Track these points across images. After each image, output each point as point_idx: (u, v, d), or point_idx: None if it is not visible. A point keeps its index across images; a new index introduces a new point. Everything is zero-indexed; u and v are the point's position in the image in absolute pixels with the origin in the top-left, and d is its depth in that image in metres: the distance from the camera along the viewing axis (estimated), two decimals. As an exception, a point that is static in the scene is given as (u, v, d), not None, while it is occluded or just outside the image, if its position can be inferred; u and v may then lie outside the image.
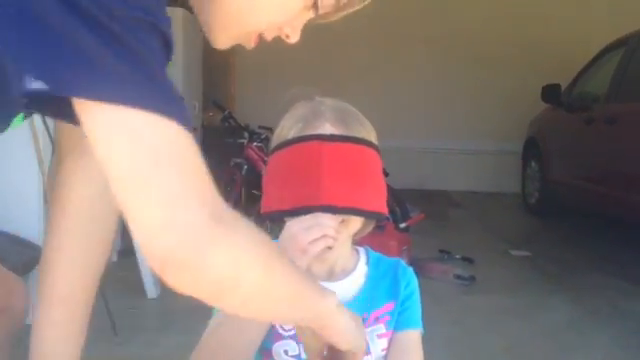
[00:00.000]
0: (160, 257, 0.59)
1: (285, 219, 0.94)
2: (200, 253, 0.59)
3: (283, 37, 0.81)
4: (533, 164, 6.18)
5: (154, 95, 0.60)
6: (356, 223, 0.94)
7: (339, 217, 0.90)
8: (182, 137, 0.61)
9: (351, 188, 0.89)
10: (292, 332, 0.94)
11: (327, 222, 0.87)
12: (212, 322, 0.93)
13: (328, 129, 0.92)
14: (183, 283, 0.61)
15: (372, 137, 0.96)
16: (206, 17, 0.76)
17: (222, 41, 0.78)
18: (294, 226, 0.88)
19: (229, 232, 0.62)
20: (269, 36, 0.80)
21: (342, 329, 0.77)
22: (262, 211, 0.96)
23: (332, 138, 0.90)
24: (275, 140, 0.96)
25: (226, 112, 4.94)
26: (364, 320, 0.96)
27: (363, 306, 0.97)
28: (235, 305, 0.66)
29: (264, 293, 0.67)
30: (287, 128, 0.95)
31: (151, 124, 0.59)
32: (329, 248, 0.88)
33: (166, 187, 0.59)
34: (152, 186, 0.58)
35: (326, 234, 0.86)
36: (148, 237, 0.59)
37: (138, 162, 0.58)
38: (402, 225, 4.15)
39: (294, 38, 0.81)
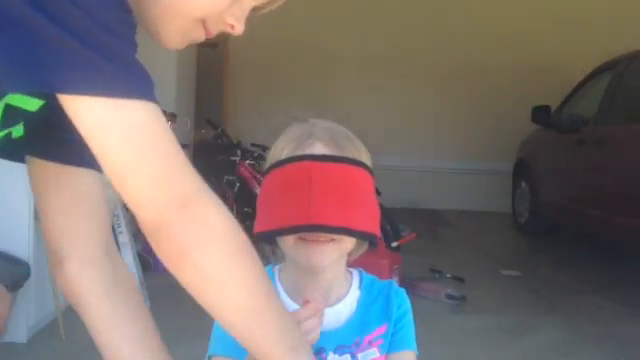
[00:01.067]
0: (146, 225, 0.74)
1: (277, 239, 0.94)
2: (169, 224, 0.73)
3: (228, 29, 0.82)
4: (523, 184, 6.21)
5: (130, 82, 0.71)
6: (347, 244, 0.94)
7: (329, 237, 0.91)
8: (158, 121, 0.72)
9: (342, 208, 0.89)
10: None
11: (305, 314, 0.87)
12: None
13: (319, 149, 0.92)
14: (159, 249, 0.74)
15: (364, 158, 0.96)
16: (147, 18, 0.78)
17: (171, 39, 0.81)
18: None
19: (196, 212, 0.75)
20: (214, 28, 0.81)
21: None
22: (255, 231, 0.96)
23: (323, 158, 0.91)
24: (269, 161, 0.97)
25: (219, 129, 4.95)
26: (357, 345, 0.96)
27: (355, 331, 0.97)
28: (190, 277, 0.76)
29: (219, 278, 0.75)
30: (280, 149, 0.95)
31: (128, 110, 0.70)
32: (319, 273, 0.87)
33: (147, 172, 0.72)
34: (136, 172, 0.72)
35: (308, 330, 0.86)
36: (137, 212, 0.74)
37: (123, 153, 0.70)
38: (393, 244, 4.16)
39: (238, 29, 0.82)
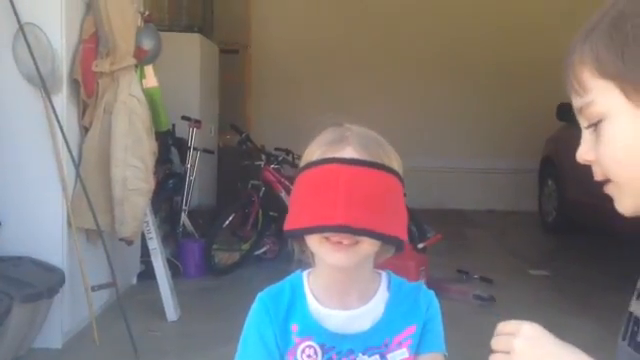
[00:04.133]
0: None
1: (306, 239, 0.97)
2: None
3: None
4: (550, 183, 6.14)
5: None
6: (369, 247, 0.95)
7: (350, 239, 0.92)
8: None
9: (367, 211, 0.92)
10: None
11: None
12: None
13: (349, 153, 0.94)
14: None
15: (395, 165, 0.98)
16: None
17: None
18: None
19: None
20: None
21: None
22: (284, 229, 1.00)
23: (352, 162, 0.93)
24: (302, 162, 1.00)
25: (243, 135, 5.00)
26: (386, 346, 0.97)
27: (384, 332, 0.98)
28: None
29: None
30: (312, 151, 0.98)
31: None
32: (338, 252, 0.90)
33: None
34: None
35: None
36: None
37: None
38: (420, 246, 4.15)
39: None
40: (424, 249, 4.15)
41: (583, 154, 0.79)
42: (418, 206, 4.66)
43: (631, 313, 0.85)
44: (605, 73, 0.71)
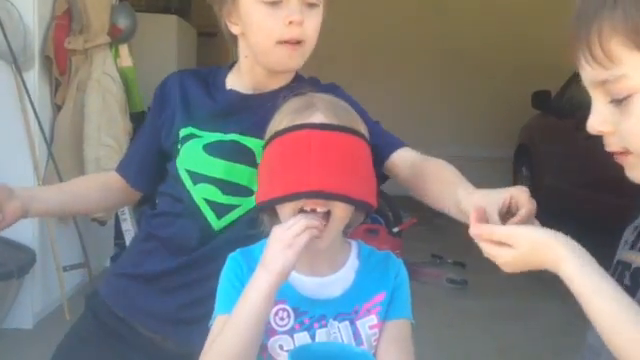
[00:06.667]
0: None
1: (276, 207, 0.95)
2: None
3: None
4: (524, 170, 6.22)
5: None
6: (343, 213, 0.94)
7: (325, 206, 0.92)
8: None
9: (340, 175, 0.91)
10: (287, 327, 0.96)
11: (311, 217, 0.89)
12: (212, 328, 0.95)
13: (319, 118, 0.94)
14: None
15: (362, 130, 0.98)
16: None
17: None
18: (276, 230, 0.90)
19: None
20: None
21: None
22: (256, 202, 0.98)
23: (323, 127, 0.92)
24: (268, 133, 0.98)
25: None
26: (356, 312, 0.97)
27: (354, 299, 0.99)
28: None
29: None
30: (279, 120, 0.97)
31: None
32: (317, 238, 0.90)
33: None
34: None
35: (309, 225, 0.88)
36: None
37: None
38: (395, 230, 4.18)
39: None
40: (399, 233, 4.18)
41: (597, 125, 0.73)
42: (394, 192, 4.67)
43: (618, 261, 0.84)
44: None
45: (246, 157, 1.09)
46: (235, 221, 1.10)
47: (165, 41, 5.49)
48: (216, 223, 1.11)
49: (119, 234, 3.70)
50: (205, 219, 1.11)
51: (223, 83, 1.19)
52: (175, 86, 1.20)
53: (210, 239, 1.11)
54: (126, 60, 3.62)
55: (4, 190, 1.11)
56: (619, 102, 0.69)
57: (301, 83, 1.14)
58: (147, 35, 4.31)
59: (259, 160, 1.03)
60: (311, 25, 1.08)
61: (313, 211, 0.92)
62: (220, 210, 1.10)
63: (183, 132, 1.15)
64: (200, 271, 1.11)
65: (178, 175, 1.14)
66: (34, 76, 3.02)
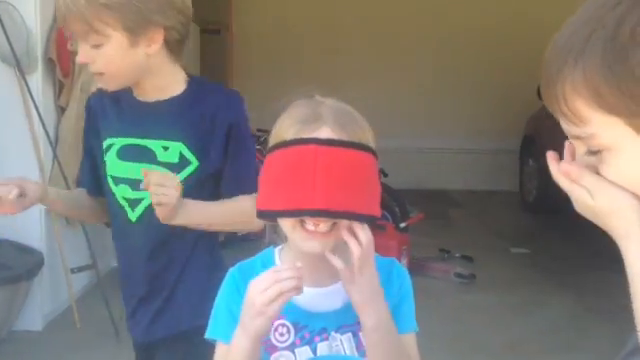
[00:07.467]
0: None
1: (278, 219, 0.94)
2: None
3: None
4: (531, 162, 6.19)
5: None
6: (347, 224, 0.92)
7: (328, 222, 0.91)
8: None
9: (345, 192, 0.90)
10: (287, 343, 0.95)
11: (285, 274, 0.87)
12: (215, 357, 0.96)
13: (326, 133, 0.92)
14: None
15: (369, 138, 0.96)
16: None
17: None
18: (252, 289, 0.88)
19: None
20: None
21: None
22: (257, 208, 0.97)
23: (330, 142, 0.91)
24: (273, 139, 0.96)
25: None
26: (358, 324, 0.95)
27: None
28: None
29: None
30: (285, 128, 0.95)
31: None
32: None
33: None
34: None
35: (283, 290, 0.86)
36: None
37: None
38: (402, 225, 4.17)
39: None
40: (406, 228, 4.17)
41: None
42: (400, 186, 4.66)
43: None
44: (610, 110, 0.64)
45: (147, 157, 1.33)
46: (145, 210, 1.33)
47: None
48: (132, 215, 1.36)
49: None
50: (126, 213, 1.37)
51: (131, 92, 1.39)
52: (97, 104, 1.45)
53: (131, 229, 1.37)
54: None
55: (20, 178, 1.35)
56: (594, 153, 0.69)
57: (203, 89, 1.40)
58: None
59: (160, 158, 1.31)
60: (102, 61, 1.29)
61: (313, 232, 0.91)
62: (132, 203, 1.36)
63: (105, 144, 1.38)
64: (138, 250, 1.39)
65: (107, 182, 1.39)
66: (37, 79, 3.03)
